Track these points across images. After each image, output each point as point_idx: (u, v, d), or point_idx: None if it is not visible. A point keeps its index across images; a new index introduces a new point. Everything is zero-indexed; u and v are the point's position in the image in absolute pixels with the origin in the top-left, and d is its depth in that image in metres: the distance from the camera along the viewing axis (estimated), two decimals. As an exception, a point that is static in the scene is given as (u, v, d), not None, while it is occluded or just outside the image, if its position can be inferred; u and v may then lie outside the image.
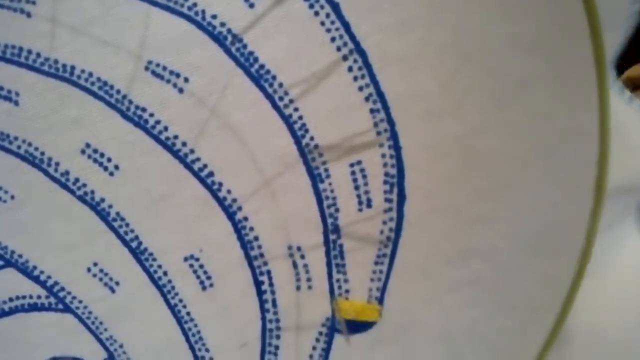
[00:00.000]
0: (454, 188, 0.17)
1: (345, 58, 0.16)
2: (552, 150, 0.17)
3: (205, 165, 0.17)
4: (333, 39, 0.16)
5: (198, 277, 0.18)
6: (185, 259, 0.18)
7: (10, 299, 0.18)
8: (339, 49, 0.16)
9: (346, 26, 0.16)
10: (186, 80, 0.17)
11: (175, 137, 0.17)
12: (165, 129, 0.17)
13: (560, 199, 0.17)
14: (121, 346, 0.18)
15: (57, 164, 0.17)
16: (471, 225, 0.17)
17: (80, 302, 0.18)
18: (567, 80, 0.16)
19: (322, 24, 0.16)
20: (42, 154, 0.17)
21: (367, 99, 0.17)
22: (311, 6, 0.16)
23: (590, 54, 0.16)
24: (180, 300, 0.18)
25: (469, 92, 0.17)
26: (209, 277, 0.18)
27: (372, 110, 0.17)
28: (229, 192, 0.17)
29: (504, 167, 0.17)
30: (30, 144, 0.17)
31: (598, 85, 0.16)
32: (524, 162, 0.17)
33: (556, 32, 0.16)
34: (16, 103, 0.17)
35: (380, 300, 0.18)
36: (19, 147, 0.17)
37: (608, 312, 0.20)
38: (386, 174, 0.17)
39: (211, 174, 0.17)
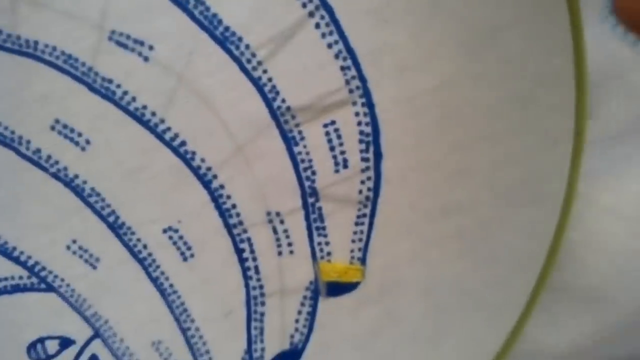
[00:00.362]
0: (431, 142, 0.17)
1: (311, 14, 0.16)
2: (528, 97, 0.16)
3: (176, 135, 0.17)
4: (298, -5, 0.16)
5: (178, 248, 0.18)
6: (164, 231, 0.18)
7: (-7, 282, 0.18)
8: (304, 5, 0.16)
9: (310, -18, 0.16)
10: (151, 48, 0.16)
11: (144, 107, 0.17)
12: (134, 99, 0.17)
13: (540, 147, 0.17)
14: (106, 322, 0.18)
15: (27, 142, 0.17)
16: (450, 179, 0.17)
17: (62, 280, 0.18)
18: (539, 24, 0.16)
19: (286, -20, 0.16)
20: (12, 132, 0.17)
21: (336, 56, 0.16)
22: (273, -37, 0.16)
23: (563, -5, 0.16)
24: (162, 273, 0.18)
25: (440, 43, 0.16)
26: (189, 248, 0.18)
27: (342, 68, 0.16)
28: (202, 160, 0.17)
29: (479, 118, 0.17)
30: (-1, 123, 0.17)
31: (572, 27, 0.16)
32: (500, 112, 0.16)
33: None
34: (-20, 82, 0.17)
35: (363, 261, 0.18)
36: (-13, 127, 0.17)
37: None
38: (361, 133, 0.17)
39: (183, 143, 0.17)
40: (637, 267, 0.20)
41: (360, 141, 0.17)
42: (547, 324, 0.21)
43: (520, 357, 0.20)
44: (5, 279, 0.18)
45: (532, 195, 0.17)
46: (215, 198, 0.17)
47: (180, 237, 0.18)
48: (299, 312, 0.18)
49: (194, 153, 0.17)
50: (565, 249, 0.17)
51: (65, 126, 0.17)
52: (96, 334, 0.18)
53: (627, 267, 0.20)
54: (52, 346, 0.19)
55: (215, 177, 0.17)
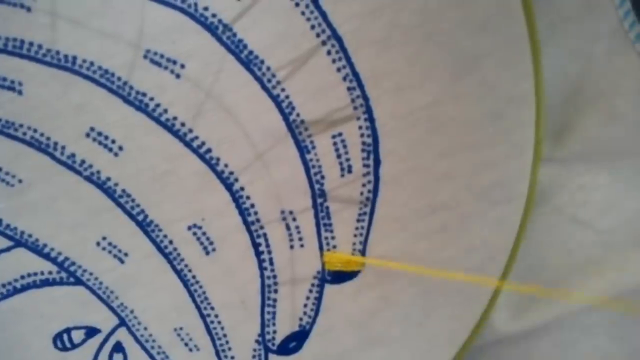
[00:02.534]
0: (421, 151, 0.20)
1: (324, 43, 0.19)
2: (499, 114, 0.20)
3: (203, 143, 0.19)
4: (313, 27, 0.18)
5: (201, 243, 0.20)
6: (189, 228, 0.20)
7: (22, 277, 0.20)
8: (318, 35, 0.18)
9: (323, 15, 0.18)
10: (182, 66, 0.18)
11: (175, 118, 0.19)
12: (165, 111, 0.19)
13: (508, 156, 0.20)
14: (132, 312, 0.20)
15: (62, 147, 0.19)
16: (437, 182, 0.20)
17: (90, 274, 0.20)
18: (508, 55, 0.20)
19: (303, 13, 0.18)
20: (48, 139, 0.19)
21: (344, 78, 0.19)
22: (292, -2, 0.18)
23: (526, 33, 0.19)
24: (186, 266, 0.20)
25: (430, 68, 0.19)
26: (211, 243, 0.20)
27: (349, 88, 0.19)
28: (226, 165, 0.19)
29: (461, 131, 0.20)
30: (35, 130, 0.18)
31: (533, 58, 0.20)
32: (477, 126, 0.20)
33: (499, 14, 0.19)
34: (20, 92, 0.18)
35: (363, 253, 0.21)
36: (24, 133, 0.18)
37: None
38: (363, 143, 0.20)
39: (209, 150, 0.19)
40: (591, 271, 0.23)
41: (362, 150, 0.20)
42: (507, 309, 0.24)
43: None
44: (35, 274, 0.20)
45: (503, 195, 0.21)
46: (236, 199, 0.20)
47: (204, 233, 0.20)
48: (307, 298, 0.21)
49: (218, 159, 0.19)
50: (529, 249, 0.20)
51: (99, 134, 0.19)
52: (121, 323, 0.20)
53: (584, 270, 0.23)
54: (77, 335, 0.20)
55: (236, 180, 0.19)
